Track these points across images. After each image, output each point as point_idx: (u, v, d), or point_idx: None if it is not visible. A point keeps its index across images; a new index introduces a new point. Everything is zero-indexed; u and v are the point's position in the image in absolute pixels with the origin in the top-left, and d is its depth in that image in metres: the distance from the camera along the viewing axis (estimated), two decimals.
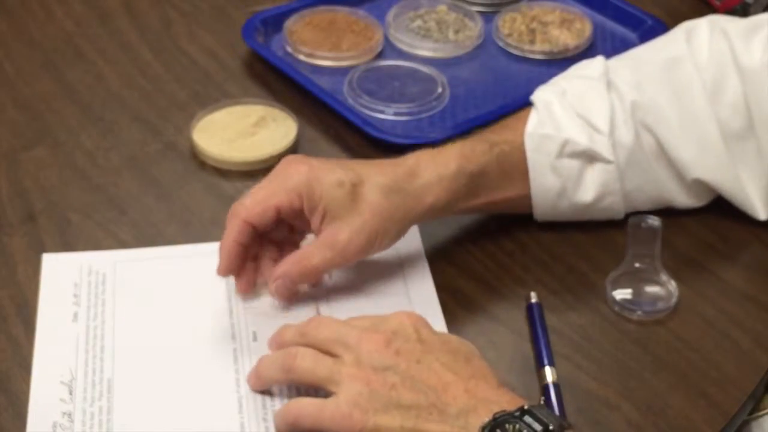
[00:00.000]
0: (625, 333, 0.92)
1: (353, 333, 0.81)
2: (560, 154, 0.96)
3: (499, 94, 1.19)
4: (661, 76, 0.98)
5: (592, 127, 0.97)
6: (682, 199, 1.01)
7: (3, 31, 1.27)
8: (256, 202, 0.90)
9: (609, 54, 1.05)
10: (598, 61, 1.02)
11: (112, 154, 1.09)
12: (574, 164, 0.97)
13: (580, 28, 1.27)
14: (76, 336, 0.89)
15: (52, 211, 1.02)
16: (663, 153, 0.98)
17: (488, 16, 1.30)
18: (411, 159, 0.93)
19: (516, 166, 0.97)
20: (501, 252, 0.99)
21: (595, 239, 1.01)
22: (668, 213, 1.02)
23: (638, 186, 0.99)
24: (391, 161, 0.93)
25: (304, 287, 0.92)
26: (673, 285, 0.94)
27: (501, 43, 1.26)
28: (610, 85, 0.99)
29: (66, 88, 1.18)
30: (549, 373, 0.87)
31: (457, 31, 1.27)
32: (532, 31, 1.26)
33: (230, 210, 0.91)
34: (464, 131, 1.08)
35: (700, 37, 0.99)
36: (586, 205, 0.99)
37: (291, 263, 0.90)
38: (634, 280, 0.94)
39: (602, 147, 0.97)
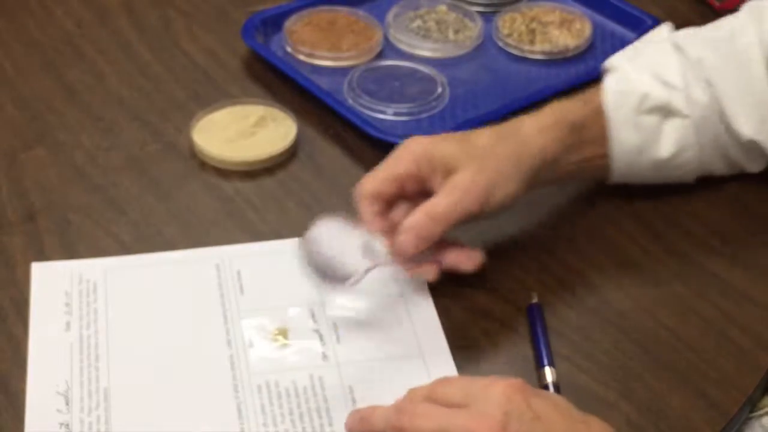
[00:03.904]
0: (625, 333, 0.92)
1: (460, 421, 0.72)
2: (639, 110, 0.98)
3: (498, 94, 1.19)
4: (723, 43, 1.01)
5: (666, 83, 0.99)
6: (744, 162, 1.03)
7: (3, 30, 1.27)
8: (377, 174, 0.91)
9: (609, 54, 1.05)
10: (664, 27, 1.06)
11: (112, 154, 1.09)
12: (653, 120, 0.99)
13: (580, 28, 1.27)
14: (69, 345, 0.89)
15: (51, 211, 1.02)
16: (723, 113, 1.00)
17: (488, 16, 1.30)
18: (509, 121, 0.96)
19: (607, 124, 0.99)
20: (501, 252, 0.99)
21: (594, 239, 1.01)
22: (668, 213, 1.03)
23: (710, 141, 1.01)
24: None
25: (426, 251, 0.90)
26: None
27: (501, 43, 1.26)
28: (676, 47, 1.01)
29: (66, 88, 1.18)
30: (549, 374, 0.87)
31: (456, 31, 1.27)
32: (532, 32, 1.26)
33: (356, 191, 0.91)
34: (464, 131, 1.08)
35: (763, 14, 1.01)
36: (663, 160, 1.00)
37: (417, 214, 0.89)
38: None
39: (678, 101, 0.99)
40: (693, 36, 1.03)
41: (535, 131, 0.94)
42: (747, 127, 0.99)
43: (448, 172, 0.91)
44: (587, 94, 1.00)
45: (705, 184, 1.05)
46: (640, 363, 0.89)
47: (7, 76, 1.20)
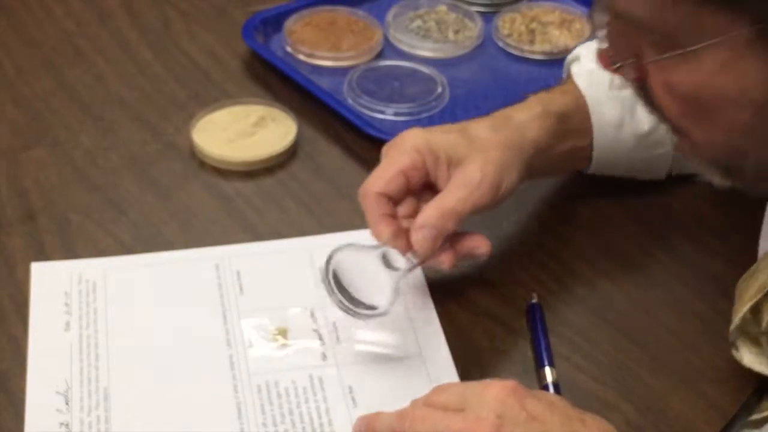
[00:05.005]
0: (625, 333, 0.92)
1: (456, 424, 0.74)
2: (611, 84, 0.96)
3: (498, 94, 1.19)
4: None
5: None
6: None
7: (3, 30, 1.27)
8: (381, 173, 0.90)
9: None
10: None
11: (112, 154, 1.09)
12: (627, 92, 0.97)
13: (580, 28, 1.27)
14: (69, 345, 0.89)
15: (51, 211, 1.02)
16: None
17: (488, 17, 1.30)
18: (496, 112, 0.96)
19: (588, 114, 0.98)
20: (501, 253, 0.99)
21: (594, 239, 1.01)
22: (668, 213, 1.02)
23: None
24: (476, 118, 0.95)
25: (445, 240, 0.90)
26: None
27: (501, 44, 1.26)
28: None
29: (66, 88, 1.18)
30: (549, 374, 0.87)
31: (456, 31, 1.27)
32: (532, 32, 1.26)
33: (360, 193, 0.90)
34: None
35: None
36: (643, 134, 0.99)
37: (429, 210, 0.88)
38: None
39: None
40: None
41: (527, 120, 0.94)
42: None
43: (454, 163, 0.90)
44: (564, 85, 1.01)
45: (705, 184, 1.04)
46: (640, 363, 0.89)
47: (7, 76, 1.20)
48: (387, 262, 0.88)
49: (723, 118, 0.74)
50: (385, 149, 0.93)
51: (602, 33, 0.80)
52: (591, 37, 1.24)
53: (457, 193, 0.89)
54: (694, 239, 1.01)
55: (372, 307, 0.87)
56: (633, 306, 0.95)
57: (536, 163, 0.95)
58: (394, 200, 0.90)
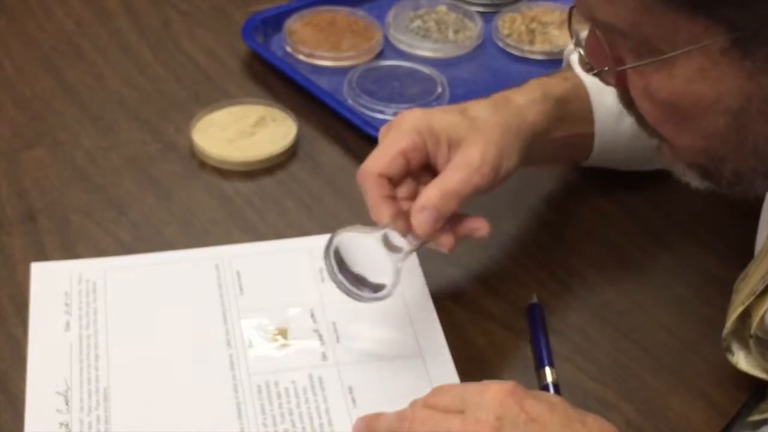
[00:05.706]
0: (625, 333, 0.92)
1: (455, 426, 0.74)
2: None
3: None
4: None
5: None
6: None
7: (3, 30, 1.27)
8: (382, 153, 0.89)
9: None
10: None
11: (112, 154, 1.09)
12: None
13: None
14: (69, 345, 0.89)
15: (51, 211, 1.02)
16: None
17: (488, 17, 1.30)
18: (496, 94, 0.95)
19: (588, 101, 0.98)
20: (501, 253, 0.99)
21: (594, 239, 1.01)
22: (668, 213, 1.03)
23: None
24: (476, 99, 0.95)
25: (445, 222, 0.88)
26: None
27: (500, 44, 1.26)
28: None
29: (66, 88, 1.18)
30: (549, 374, 0.87)
31: (456, 32, 1.27)
32: (532, 32, 1.26)
33: (359, 174, 0.89)
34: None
35: None
36: None
37: (430, 191, 0.87)
38: None
39: None
40: None
41: (526, 104, 0.93)
42: None
43: (454, 144, 0.89)
44: (565, 72, 1.00)
45: None
46: (639, 363, 0.89)
47: (7, 76, 1.20)
48: (388, 244, 0.87)
49: (700, 125, 0.74)
50: (383, 130, 0.91)
51: (580, 38, 0.81)
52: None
53: (458, 174, 0.88)
54: (694, 238, 1.01)
55: (376, 289, 0.86)
56: (633, 306, 0.95)
57: (534, 148, 0.94)
58: (394, 181, 0.89)
